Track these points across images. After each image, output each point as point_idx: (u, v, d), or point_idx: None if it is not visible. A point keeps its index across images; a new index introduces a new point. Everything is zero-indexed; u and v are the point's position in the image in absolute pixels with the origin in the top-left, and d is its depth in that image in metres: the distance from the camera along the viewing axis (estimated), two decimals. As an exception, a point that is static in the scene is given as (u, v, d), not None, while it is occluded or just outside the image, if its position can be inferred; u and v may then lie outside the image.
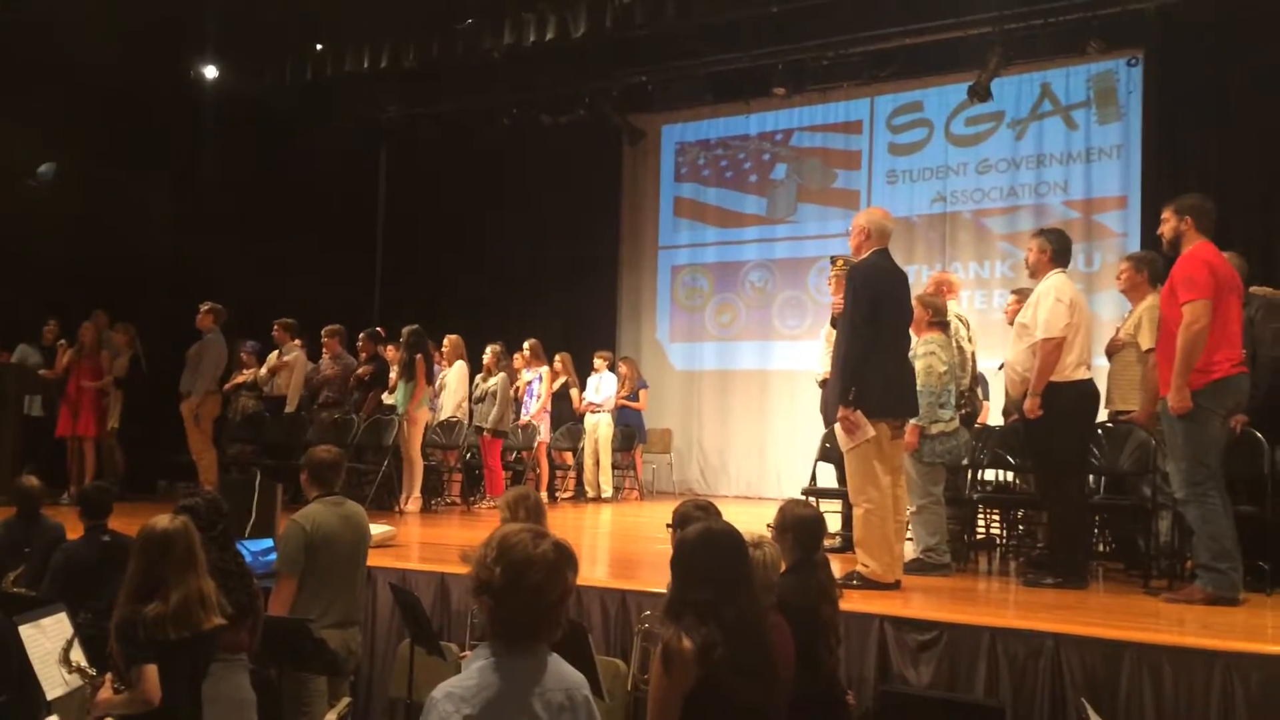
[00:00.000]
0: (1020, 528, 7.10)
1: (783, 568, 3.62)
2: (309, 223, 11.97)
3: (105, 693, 3.27)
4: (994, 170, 11.16)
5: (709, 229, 12.86)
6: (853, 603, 4.50)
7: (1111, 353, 6.32)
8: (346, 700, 4.10)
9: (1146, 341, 5.87)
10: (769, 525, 3.82)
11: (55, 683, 3.61)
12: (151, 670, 3.21)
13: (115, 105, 9.97)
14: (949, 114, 11.37)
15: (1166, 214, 5.13)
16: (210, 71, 11.12)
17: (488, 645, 2.23)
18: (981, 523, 7.21)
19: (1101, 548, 6.59)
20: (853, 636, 4.35)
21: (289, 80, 11.15)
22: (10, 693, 3.37)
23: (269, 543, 5.61)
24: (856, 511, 5.23)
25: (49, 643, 3.70)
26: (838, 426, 5.21)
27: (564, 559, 2.23)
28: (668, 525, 3.95)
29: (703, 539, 2.85)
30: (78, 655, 3.44)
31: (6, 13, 9.23)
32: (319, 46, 10.83)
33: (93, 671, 3.42)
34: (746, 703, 2.70)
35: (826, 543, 6.57)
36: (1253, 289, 5.87)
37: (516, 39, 10.20)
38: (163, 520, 3.41)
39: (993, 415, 7.73)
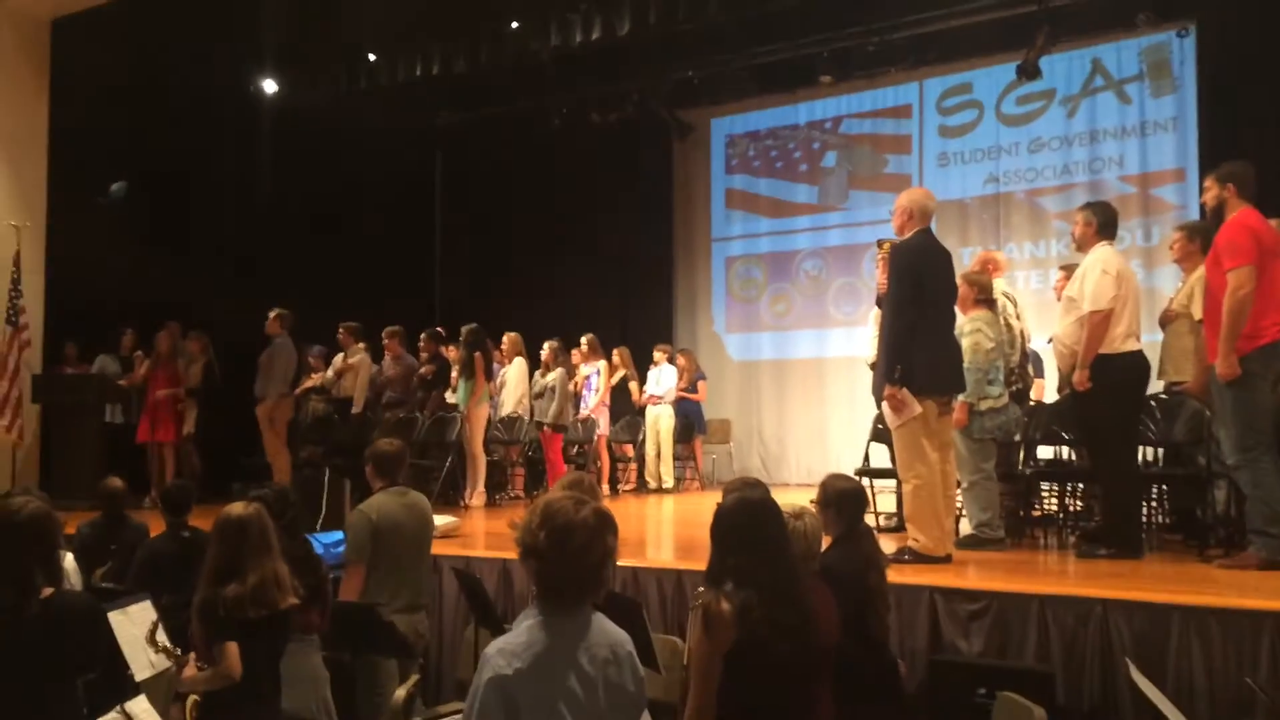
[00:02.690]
0: (1079, 502, 7.08)
1: (825, 540, 3.73)
2: (370, 228, 12.30)
3: (190, 670, 3.50)
4: (1047, 149, 11.10)
5: (761, 219, 12.94)
6: (903, 575, 4.57)
7: (1165, 323, 6.30)
8: (415, 677, 4.28)
9: (1199, 312, 5.81)
10: (812, 501, 3.93)
11: (142, 665, 3.83)
12: (232, 647, 3.43)
13: (179, 120, 10.32)
14: (999, 94, 11.32)
15: (1208, 183, 5.13)
16: (269, 85, 11.46)
17: (535, 605, 2.38)
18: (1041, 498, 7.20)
19: (1161, 519, 6.57)
20: (903, 608, 4.42)
21: (345, 90, 11.46)
22: (100, 671, 3.59)
23: (340, 535, 5.81)
24: (906, 487, 5.31)
25: (135, 629, 3.92)
26: (885, 404, 5.29)
27: (604, 523, 2.37)
28: (718, 504, 4.06)
29: (739, 507, 2.97)
30: (163, 637, 3.68)
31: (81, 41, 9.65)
32: (372, 57, 11.10)
33: (178, 651, 3.66)
34: (785, 661, 2.81)
35: (882, 522, 6.69)
36: (1301, 254, 5.81)
37: (563, 40, 10.37)
38: (237, 508, 3.64)
39: (1048, 392, 7.71)
